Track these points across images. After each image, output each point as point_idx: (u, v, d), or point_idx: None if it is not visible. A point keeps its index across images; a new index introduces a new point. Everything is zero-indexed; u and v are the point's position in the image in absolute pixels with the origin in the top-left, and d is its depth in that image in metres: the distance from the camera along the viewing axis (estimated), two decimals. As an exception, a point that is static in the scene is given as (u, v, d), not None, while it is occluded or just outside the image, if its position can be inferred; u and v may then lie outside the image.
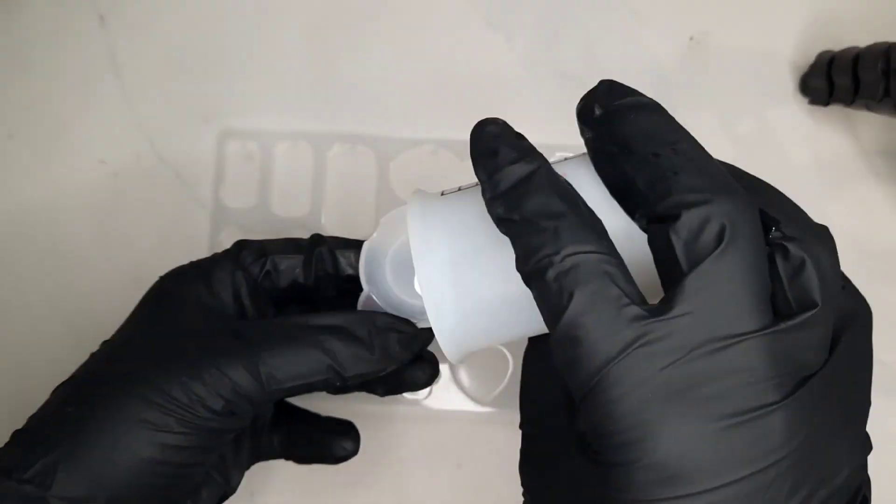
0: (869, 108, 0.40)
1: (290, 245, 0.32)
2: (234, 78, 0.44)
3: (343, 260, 0.32)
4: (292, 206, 0.44)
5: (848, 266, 0.43)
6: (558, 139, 0.38)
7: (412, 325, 0.29)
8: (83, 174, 0.44)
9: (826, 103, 0.42)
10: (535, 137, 0.24)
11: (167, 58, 0.45)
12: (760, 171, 0.44)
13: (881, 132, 0.43)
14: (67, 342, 0.44)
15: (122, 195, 0.44)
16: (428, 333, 0.29)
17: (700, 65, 0.44)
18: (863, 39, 0.40)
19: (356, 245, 0.32)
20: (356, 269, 0.30)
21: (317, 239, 0.32)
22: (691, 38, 0.44)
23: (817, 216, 0.43)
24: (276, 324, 0.29)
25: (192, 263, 0.33)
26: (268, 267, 0.31)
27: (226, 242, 0.44)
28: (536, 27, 0.45)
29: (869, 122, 0.43)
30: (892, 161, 0.43)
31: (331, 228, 0.44)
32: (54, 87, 0.45)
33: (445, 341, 0.23)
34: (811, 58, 0.43)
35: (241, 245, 0.32)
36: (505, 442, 0.41)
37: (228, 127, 0.44)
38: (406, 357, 0.29)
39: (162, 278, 0.32)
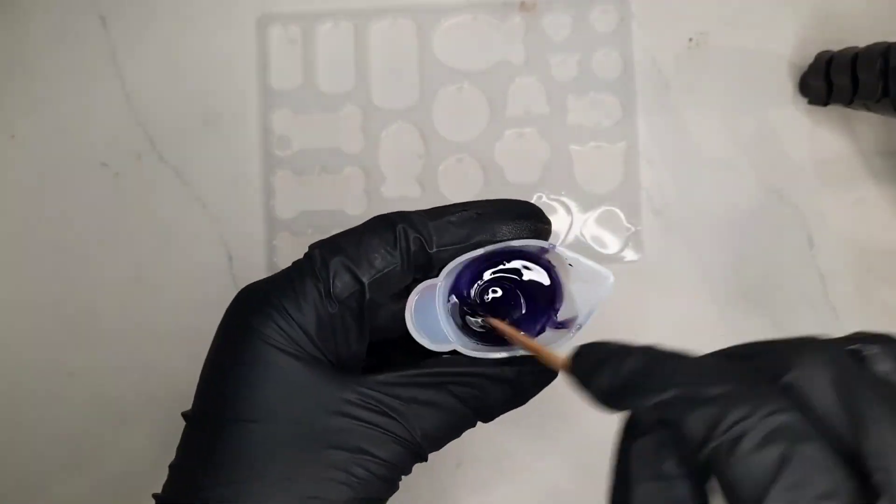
0: (867, 107, 0.40)
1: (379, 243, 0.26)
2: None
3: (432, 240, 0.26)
4: (339, 83, 0.45)
5: (847, 266, 0.44)
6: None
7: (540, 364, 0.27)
8: (84, 175, 0.44)
9: (825, 103, 0.42)
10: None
11: (167, 58, 0.45)
12: (760, 171, 0.44)
13: (880, 132, 0.43)
14: (69, 342, 0.44)
15: (123, 196, 0.44)
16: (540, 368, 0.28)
17: (699, 66, 0.44)
18: (861, 39, 0.40)
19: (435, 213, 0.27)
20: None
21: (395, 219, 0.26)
22: (690, 40, 0.44)
23: (816, 215, 0.43)
24: (421, 381, 0.26)
25: (274, 289, 0.26)
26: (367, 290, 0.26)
27: (276, 123, 0.44)
28: None
29: (867, 122, 0.43)
30: (891, 161, 0.43)
31: (380, 101, 0.44)
32: (56, 88, 0.45)
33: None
34: (810, 58, 0.43)
35: (321, 255, 0.26)
36: (504, 441, 0.42)
37: (268, 11, 0.45)
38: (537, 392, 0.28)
39: (242, 312, 0.26)
